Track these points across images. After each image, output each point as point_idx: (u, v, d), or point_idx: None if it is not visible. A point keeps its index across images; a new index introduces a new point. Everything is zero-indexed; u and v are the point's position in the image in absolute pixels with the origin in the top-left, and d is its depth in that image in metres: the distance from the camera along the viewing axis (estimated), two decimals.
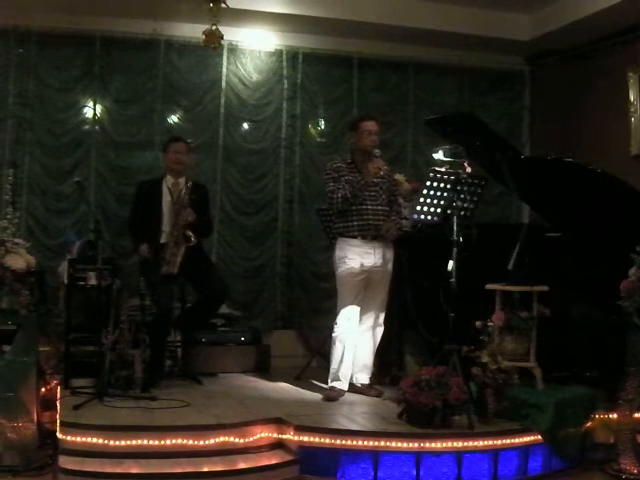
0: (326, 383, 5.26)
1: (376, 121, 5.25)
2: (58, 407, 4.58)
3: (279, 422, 4.30)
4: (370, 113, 5.82)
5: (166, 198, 5.42)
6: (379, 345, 5.32)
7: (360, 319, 5.18)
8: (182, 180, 5.48)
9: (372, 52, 7.11)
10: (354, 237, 5.10)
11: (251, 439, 4.19)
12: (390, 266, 5.20)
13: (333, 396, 5.06)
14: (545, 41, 6.98)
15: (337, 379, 5.14)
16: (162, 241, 5.30)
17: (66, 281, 5.35)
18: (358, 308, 5.14)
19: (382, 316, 5.25)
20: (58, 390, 4.86)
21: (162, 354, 5.39)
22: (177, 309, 5.62)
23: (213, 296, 5.46)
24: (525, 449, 4.25)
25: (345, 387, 5.15)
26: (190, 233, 5.23)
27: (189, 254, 5.26)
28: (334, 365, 5.16)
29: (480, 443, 4.13)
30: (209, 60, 6.75)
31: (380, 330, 5.26)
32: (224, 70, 6.81)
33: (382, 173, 5.16)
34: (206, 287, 5.40)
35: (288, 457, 4.13)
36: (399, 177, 6.01)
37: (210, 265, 5.71)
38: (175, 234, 5.25)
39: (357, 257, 5.08)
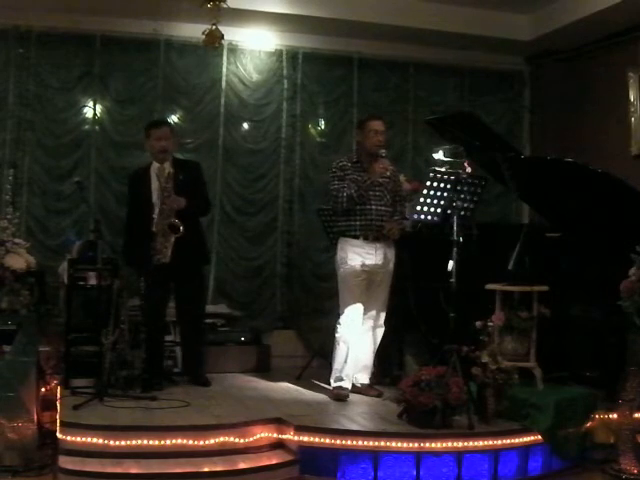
0: (326, 383, 5.28)
1: (382, 120, 5.25)
2: (58, 407, 4.58)
3: (279, 422, 4.30)
4: (376, 113, 5.82)
5: (154, 185, 5.26)
6: (379, 345, 5.32)
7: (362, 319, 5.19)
8: (167, 165, 5.29)
9: (372, 52, 7.12)
10: (356, 237, 5.10)
11: (251, 439, 4.19)
12: (391, 266, 5.20)
13: (342, 395, 5.06)
14: (545, 41, 6.99)
15: (341, 379, 5.14)
16: (153, 229, 5.15)
17: (66, 281, 5.34)
18: (362, 308, 5.14)
19: (383, 316, 5.25)
20: (58, 390, 4.86)
21: (160, 353, 5.34)
22: (172, 308, 5.60)
23: (185, 307, 5.40)
24: (525, 449, 4.26)
25: (349, 386, 5.16)
26: (177, 222, 5.07)
27: (179, 258, 5.14)
28: (337, 365, 5.16)
29: (480, 443, 4.13)
30: (209, 60, 6.75)
31: (381, 331, 5.26)
32: (224, 70, 6.81)
33: (388, 173, 5.16)
34: (180, 297, 5.37)
35: (288, 457, 4.13)
36: (400, 177, 6.03)
37: (198, 290, 5.49)
38: (164, 223, 5.10)
39: (358, 257, 5.08)
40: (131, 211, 5.44)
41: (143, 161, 6.51)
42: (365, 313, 5.18)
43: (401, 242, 5.32)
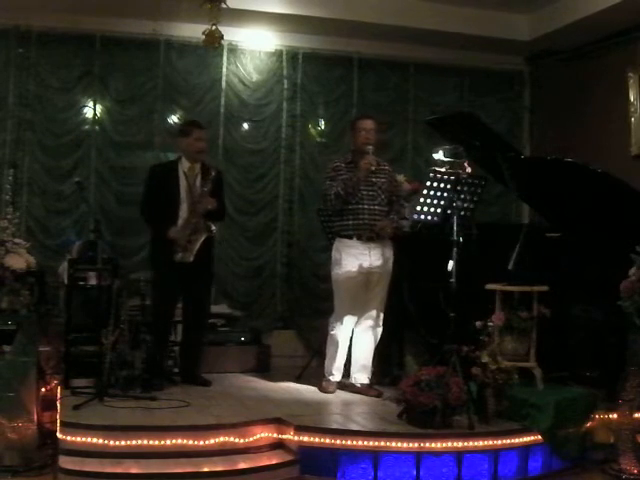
0: None
1: (373, 120, 5.30)
2: (58, 407, 4.58)
3: (279, 422, 4.30)
4: (368, 112, 5.87)
5: (182, 183, 5.28)
6: (379, 345, 5.33)
7: (359, 320, 5.23)
8: (197, 165, 5.35)
9: (372, 52, 7.12)
10: (350, 237, 5.13)
11: (251, 439, 4.18)
12: (389, 266, 5.21)
13: (329, 389, 5.19)
14: (545, 41, 6.99)
15: (330, 374, 5.27)
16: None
17: (66, 281, 5.34)
18: (354, 310, 5.19)
19: (381, 316, 5.26)
20: (58, 390, 4.86)
21: (164, 354, 5.37)
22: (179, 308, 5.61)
23: (194, 310, 5.41)
24: (525, 449, 4.26)
25: (338, 379, 5.28)
26: (210, 223, 5.19)
27: (196, 260, 5.18)
28: (327, 361, 5.30)
29: (480, 443, 4.13)
30: (209, 60, 6.76)
31: (379, 330, 5.28)
32: (224, 70, 6.82)
33: (373, 169, 5.17)
34: (191, 299, 5.37)
35: (288, 457, 4.13)
36: (399, 177, 6.02)
37: (208, 278, 5.54)
38: (194, 222, 5.17)
39: (353, 259, 5.11)
40: (149, 203, 5.33)
41: (143, 161, 6.56)
42: (364, 313, 5.21)
43: (401, 242, 5.32)
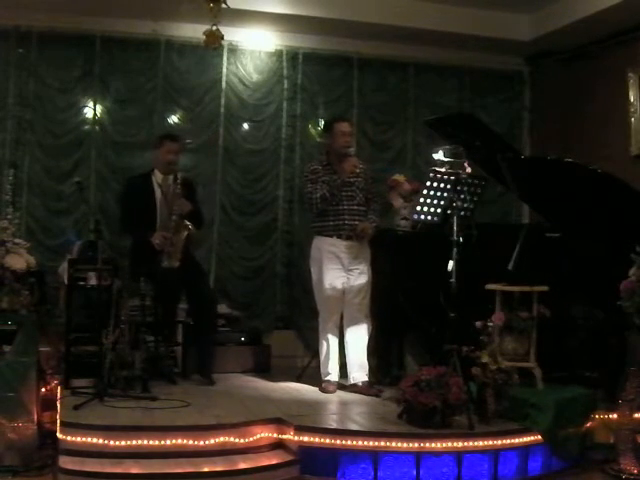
0: None
1: (349, 122, 5.40)
2: (58, 407, 4.58)
3: (279, 422, 4.30)
4: (343, 115, 6.01)
5: (157, 194, 5.42)
6: (379, 345, 5.35)
7: (345, 319, 5.30)
8: (170, 177, 5.47)
9: (372, 52, 7.12)
10: (330, 236, 5.21)
11: (251, 439, 4.18)
12: (367, 264, 5.28)
13: (329, 389, 5.21)
14: (545, 41, 6.99)
15: (327, 374, 5.30)
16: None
17: (66, 281, 5.34)
18: (338, 314, 5.26)
19: (366, 312, 5.31)
20: (58, 390, 4.86)
21: (166, 354, 5.44)
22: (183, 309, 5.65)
23: (203, 307, 5.49)
24: (525, 449, 4.25)
25: (336, 378, 5.30)
26: (187, 222, 5.27)
27: (182, 262, 5.25)
28: (322, 361, 5.34)
29: (480, 443, 4.13)
30: (209, 60, 6.76)
31: (367, 325, 5.32)
32: (224, 70, 6.82)
33: (358, 171, 5.25)
34: (196, 298, 5.46)
35: (288, 457, 4.13)
36: (399, 177, 6.04)
37: (202, 274, 5.69)
38: (172, 224, 5.26)
39: (332, 256, 5.19)
40: (129, 215, 5.45)
41: (143, 161, 6.55)
42: (349, 313, 5.29)
43: (400, 242, 5.32)
